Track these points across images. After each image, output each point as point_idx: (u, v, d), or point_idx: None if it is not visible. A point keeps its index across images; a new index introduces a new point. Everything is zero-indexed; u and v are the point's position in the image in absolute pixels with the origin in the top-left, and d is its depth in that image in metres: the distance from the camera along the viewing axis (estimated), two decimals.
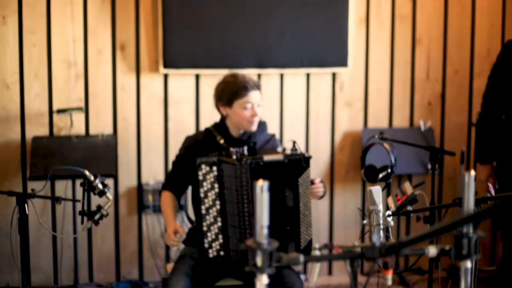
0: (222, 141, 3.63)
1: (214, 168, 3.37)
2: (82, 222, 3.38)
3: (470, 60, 5.17)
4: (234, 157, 3.35)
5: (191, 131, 4.74)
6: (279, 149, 3.51)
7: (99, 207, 3.36)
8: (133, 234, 4.81)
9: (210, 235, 3.40)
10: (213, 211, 3.39)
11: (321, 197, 3.64)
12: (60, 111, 4.52)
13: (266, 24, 4.76)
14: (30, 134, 4.56)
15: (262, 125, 3.73)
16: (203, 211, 3.40)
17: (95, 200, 3.40)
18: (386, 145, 3.52)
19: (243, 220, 3.33)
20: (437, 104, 5.17)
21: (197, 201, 3.46)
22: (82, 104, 4.61)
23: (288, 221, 3.41)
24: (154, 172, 4.78)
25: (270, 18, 4.76)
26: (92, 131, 4.65)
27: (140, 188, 4.76)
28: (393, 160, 3.48)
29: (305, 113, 4.98)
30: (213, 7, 4.67)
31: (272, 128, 4.85)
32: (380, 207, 3.18)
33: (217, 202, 3.38)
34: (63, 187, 4.62)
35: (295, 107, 4.95)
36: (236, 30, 4.71)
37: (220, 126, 3.69)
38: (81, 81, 4.61)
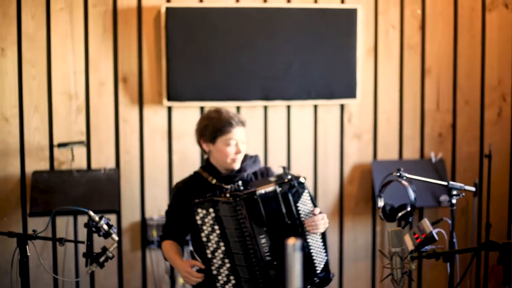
0: (214, 181, 3.50)
1: (211, 210, 3.27)
2: (87, 265, 3.23)
3: (480, 89, 5.06)
4: (228, 195, 3.26)
5: (196, 164, 4.61)
6: (274, 177, 3.41)
7: (104, 249, 3.22)
8: (137, 271, 4.66)
9: (221, 278, 3.28)
10: (219, 253, 3.28)
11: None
12: (61, 145, 4.39)
13: (273, 55, 4.65)
14: (30, 168, 4.43)
15: (253, 157, 3.63)
16: (209, 255, 3.28)
17: (98, 239, 3.25)
18: (404, 182, 3.34)
19: (249, 258, 3.22)
20: (448, 135, 5.04)
21: (200, 246, 3.33)
22: (84, 138, 4.48)
23: None
24: (158, 207, 4.64)
25: (277, 49, 4.65)
26: (94, 165, 4.52)
27: (144, 223, 4.62)
28: (412, 198, 3.31)
29: (313, 145, 4.85)
30: (218, 38, 4.55)
31: (279, 161, 4.75)
32: (402, 249, 3.07)
33: (221, 244, 3.27)
34: (64, 224, 4.47)
35: (302, 140, 4.83)
36: (242, 61, 4.60)
37: (208, 167, 3.56)
38: (83, 114, 4.49)
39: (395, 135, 4.97)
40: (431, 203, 4.76)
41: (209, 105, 4.57)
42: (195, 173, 3.60)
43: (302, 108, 4.80)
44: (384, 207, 3.38)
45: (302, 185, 3.33)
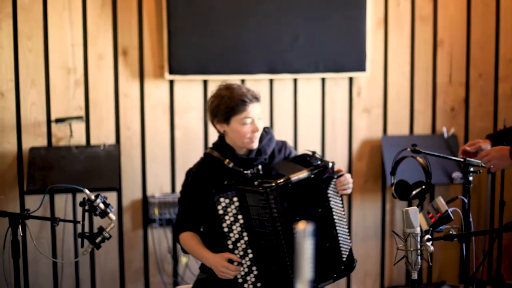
0: (231, 165, 3.26)
1: (235, 199, 3.08)
2: (82, 245, 3.11)
3: (495, 62, 4.89)
4: (256, 182, 3.05)
5: (199, 140, 4.47)
6: (297, 161, 3.23)
7: (101, 229, 3.08)
8: (138, 250, 4.54)
9: (243, 269, 3.13)
10: (242, 244, 3.12)
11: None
12: (58, 120, 4.24)
13: (279, 27, 4.47)
14: (27, 145, 4.29)
15: (268, 133, 3.38)
16: (230, 246, 3.12)
17: (98, 218, 3.13)
18: (420, 159, 3.17)
19: (281, 249, 3.06)
20: (461, 110, 4.88)
21: (220, 236, 3.13)
22: (82, 113, 4.34)
23: (325, 238, 3.18)
24: (160, 184, 4.50)
25: (283, 20, 4.48)
26: (93, 141, 4.38)
27: (145, 201, 4.49)
28: (429, 175, 3.14)
29: (321, 120, 4.70)
30: (222, 8, 4.39)
31: (286, 137, 4.61)
32: (418, 230, 2.93)
33: (244, 234, 3.11)
34: (62, 202, 4.34)
35: (310, 114, 4.68)
36: (247, 33, 4.43)
37: (222, 147, 3.32)
38: (81, 88, 4.34)
39: (405, 110, 4.82)
40: (444, 180, 4.62)
41: (212, 78, 4.42)
42: (206, 154, 3.36)
43: (309, 82, 4.65)
44: (397, 184, 3.21)
45: (333, 171, 3.19)
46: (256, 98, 3.25)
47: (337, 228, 3.20)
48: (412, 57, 4.78)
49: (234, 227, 3.10)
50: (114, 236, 4.45)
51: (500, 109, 4.91)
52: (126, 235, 4.51)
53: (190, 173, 3.35)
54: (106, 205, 3.06)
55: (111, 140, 4.39)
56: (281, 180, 3.06)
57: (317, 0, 4.53)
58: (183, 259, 4.54)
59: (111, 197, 4.38)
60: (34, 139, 4.31)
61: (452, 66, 4.84)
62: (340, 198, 3.26)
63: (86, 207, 3.05)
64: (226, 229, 3.11)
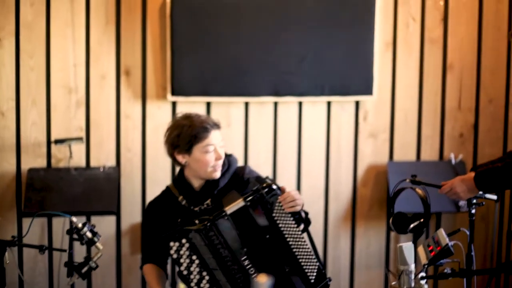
0: (184, 202, 3.40)
1: (184, 240, 3.17)
2: (70, 274, 3.18)
3: (505, 87, 4.99)
4: (197, 221, 3.16)
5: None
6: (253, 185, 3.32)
7: (88, 259, 3.17)
8: (137, 275, 4.63)
9: None
10: (205, 283, 3.21)
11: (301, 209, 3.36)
12: (58, 141, 4.35)
13: (284, 48, 4.58)
14: (26, 165, 4.40)
15: (227, 162, 3.47)
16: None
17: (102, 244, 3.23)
18: (419, 190, 3.25)
19: (236, 284, 3.18)
20: (470, 136, 4.97)
21: (183, 279, 3.24)
22: (83, 134, 4.43)
23: (283, 262, 3.24)
24: None
25: (289, 41, 4.58)
26: (93, 163, 4.49)
27: None
28: (426, 209, 3.22)
29: (326, 145, 4.80)
30: (226, 29, 4.49)
31: (289, 161, 4.71)
32: (412, 267, 3.01)
33: (204, 273, 3.20)
34: (60, 226, 4.42)
35: (314, 138, 4.78)
36: (251, 54, 4.53)
37: (180, 181, 3.46)
38: (82, 108, 4.45)
39: (413, 135, 4.91)
40: (450, 208, 4.70)
41: (215, 100, 4.53)
42: (167, 188, 3.52)
43: (314, 105, 4.75)
44: (395, 216, 3.26)
45: (272, 193, 3.21)
46: (217, 125, 3.39)
47: (294, 249, 3.24)
48: (420, 80, 4.87)
49: (192, 268, 3.18)
50: (111, 260, 4.56)
51: (510, 135, 5.00)
52: (124, 260, 4.61)
53: (148, 206, 3.54)
54: (94, 233, 3.14)
55: (111, 162, 4.49)
56: (216, 213, 3.16)
57: (324, 21, 4.63)
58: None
59: (110, 220, 4.49)
60: (34, 160, 4.41)
61: (461, 91, 4.93)
62: (291, 217, 3.25)
63: (74, 235, 3.13)
64: (185, 272, 3.19)
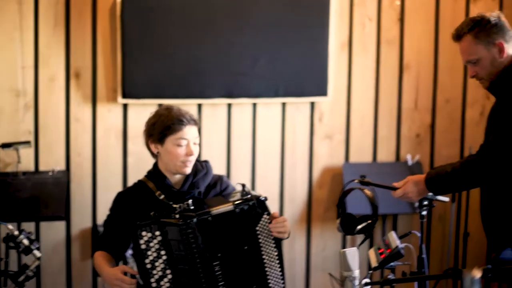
0: (162, 197, 3.48)
1: (157, 233, 3.24)
2: (5, 284, 3.27)
3: (462, 87, 5.28)
4: (177, 215, 3.27)
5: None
6: (231, 196, 3.44)
7: (24, 267, 3.25)
8: (87, 282, 4.83)
9: None
10: (165, 282, 3.29)
11: (286, 238, 3.49)
12: (4, 145, 4.49)
13: (238, 49, 4.81)
14: None
15: (204, 168, 3.62)
16: (154, 285, 3.29)
17: (48, 251, 3.31)
18: (367, 191, 3.38)
19: (199, 287, 3.29)
20: (426, 136, 5.25)
21: (143, 273, 3.29)
22: (32, 137, 4.60)
23: (253, 279, 3.37)
24: None
25: (242, 42, 4.81)
26: (42, 167, 4.67)
27: (95, 230, 4.78)
28: (375, 210, 3.35)
29: (281, 147, 5.04)
30: (178, 30, 4.70)
31: (244, 164, 4.91)
32: (356, 273, 3.11)
33: (168, 271, 3.27)
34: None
35: (269, 140, 5.02)
36: (204, 56, 4.75)
37: (155, 175, 3.55)
38: (31, 112, 4.63)
39: (369, 136, 5.17)
40: (406, 209, 4.95)
41: (167, 102, 4.69)
42: (140, 181, 3.60)
43: (269, 106, 4.98)
44: (343, 217, 3.39)
45: (262, 206, 3.35)
46: (194, 121, 3.52)
47: (267, 269, 3.38)
48: (377, 81, 5.14)
49: (157, 263, 3.25)
50: (61, 266, 4.76)
51: (467, 135, 5.29)
52: (75, 266, 4.80)
53: (118, 196, 3.62)
54: (31, 241, 3.22)
55: (61, 166, 4.69)
56: (201, 212, 3.28)
57: (278, 22, 4.86)
58: None
59: (60, 226, 4.65)
60: None
61: (418, 91, 5.19)
62: (273, 240, 3.36)
63: (10, 243, 3.19)
64: (149, 265, 3.25)
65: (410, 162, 5.13)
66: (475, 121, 5.27)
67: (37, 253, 3.26)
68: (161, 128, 3.47)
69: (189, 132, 3.47)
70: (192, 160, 3.50)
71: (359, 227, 3.36)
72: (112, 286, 3.33)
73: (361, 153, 5.16)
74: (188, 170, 3.51)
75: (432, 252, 5.27)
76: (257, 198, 3.36)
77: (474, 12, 5.11)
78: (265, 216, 3.36)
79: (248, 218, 3.33)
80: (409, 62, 5.15)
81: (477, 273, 2.16)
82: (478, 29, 3.35)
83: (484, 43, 3.35)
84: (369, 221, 3.36)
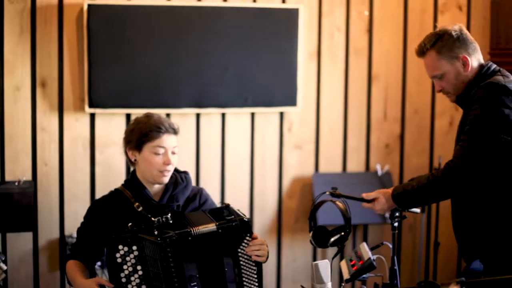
0: (140, 209, 3.41)
1: (134, 247, 3.18)
2: None
3: (431, 98, 5.29)
4: (156, 232, 3.17)
5: (121, 176, 4.68)
6: (212, 212, 3.35)
7: None
8: None
9: None
10: None
11: (264, 261, 3.42)
12: None
13: (206, 59, 4.78)
14: None
15: (184, 180, 3.56)
16: None
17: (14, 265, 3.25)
18: (339, 203, 3.33)
19: None
20: (396, 146, 5.24)
21: (118, 287, 3.21)
22: None
23: None
24: (79, 223, 4.66)
25: (211, 51, 4.78)
26: (8, 177, 4.60)
27: (63, 241, 4.71)
28: (348, 222, 3.31)
29: (250, 156, 5.01)
30: (146, 39, 4.68)
31: (213, 174, 4.86)
32: (329, 285, 3.07)
33: (143, 287, 3.19)
34: None
35: (238, 150, 4.99)
36: (172, 65, 4.72)
37: (134, 184, 3.48)
38: None
39: (338, 146, 5.16)
40: (376, 219, 4.92)
41: (135, 112, 4.68)
42: (116, 190, 3.54)
43: (238, 116, 4.96)
44: (315, 230, 3.35)
45: (245, 227, 3.28)
46: (173, 130, 3.45)
47: None
48: (346, 91, 5.12)
49: (132, 278, 3.18)
50: (28, 278, 4.68)
51: (436, 145, 5.28)
52: (42, 278, 4.72)
53: (93, 204, 3.55)
54: None
55: (27, 176, 4.61)
56: (181, 231, 3.18)
57: (247, 32, 4.86)
58: None
59: (26, 237, 4.59)
60: None
61: (387, 101, 5.18)
62: (254, 262, 3.30)
63: None
64: (124, 279, 3.18)
65: (380, 172, 5.13)
66: (444, 131, 5.27)
67: (3, 266, 3.20)
68: (139, 135, 3.42)
69: (167, 140, 3.42)
70: (170, 169, 3.44)
71: (332, 239, 3.31)
72: None
73: (330, 163, 5.14)
74: (166, 179, 3.45)
75: (403, 263, 5.25)
76: (241, 219, 3.28)
77: (442, 23, 5.14)
78: (247, 238, 3.29)
79: (230, 239, 3.25)
80: (378, 72, 5.15)
81: None
82: (441, 44, 3.35)
83: (447, 58, 3.35)
84: (342, 233, 3.31)
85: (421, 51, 3.43)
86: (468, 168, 3.16)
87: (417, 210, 3.70)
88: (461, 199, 3.38)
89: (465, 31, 3.38)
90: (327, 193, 3.44)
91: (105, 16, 4.57)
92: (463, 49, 3.35)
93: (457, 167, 3.18)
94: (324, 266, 2.96)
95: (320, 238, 3.34)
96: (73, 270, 3.39)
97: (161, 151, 3.40)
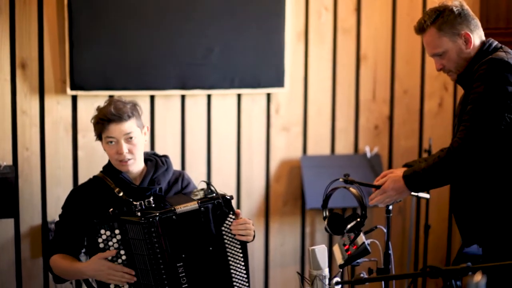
0: (121, 194, 3.32)
1: (117, 231, 3.11)
2: None
3: (420, 78, 5.12)
4: (139, 213, 3.08)
5: (104, 160, 4.45)
6: (194, 194, 3.26)
7: None
8: (38, 280, 4.57)
9: None
10: (125, 286, 3.13)
11: (250, 241, 3.32)
12: None
13: (191, 39, 4.58)
14: None
15: (164, 164, 3.46)
16: (111, 286, 3.13)
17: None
18: (353, 190, 3.21)
19: None
20: (385, 128, 5.07)
21: None
22: None
23: (217, 281, 3.20)
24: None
25: (195, 32, 4.59)
26: None
27: (45, 227, 4.53)
28: (364, 208, 3.18)
29: (236, 139, 4.83)
30: (129, 18, 4.47)
31: (199, 157, 4.70)
32: (326, 271, 2.99)
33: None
34: None
35: (224, 133, 4.80)
36: (156, 45, 4.52)
37: (111, 170, 3.40)
38: None
39: (327, 128, 4.99)
40: (366, 203, 4.73)
41: (118, 94, 4.49)
42: (95, 177, 3.45)
43: (224, 98, 4.77)
44: (330, 217, 3.21)
45: (228, 205, 3.22)
46: (119, 117, 3.30)
47: (232, 271, 3.24)
48: (334, 72, 4.95)
49: (116, 263, 3.11)
50: (11, 265, 4.50)
51: (426, 127, 5.12)
52: (25, 265, 4.54)
53: (72, 193, 3.44)
54: None
55: (8, 161, 4.42)
56: (164, 210, 3.11)
57: (233, 11, 4.66)
58: None
59: (8, 224, 4.43)
60: None
61: (376, 82, 5.02)
62: (238, 242, 3.25)
63: None
64: (107, 259, 3.12)
65: (368, 154, 4.97)
66: (434, 113, 5.11)
67: None
68: (95, 127, 3.39)
69: (115, 129, 3.30)
70: (128, 157, 3.32)
71: (348, 226, 3.18)
72: (105, 279, 3.12)
73: (319, 146, 4.96)
74: (127, 168, 3.34)
75: (393, 246, 5.08)
76: (223, 196, 3.20)
77: (432, 2, 4.97)
78: (230, 215, 3.21)
79: (214, 218, 3.18)
80: (366, 52, 4.98)
81: (480, 278, 2.00)
82: (442, 20, 3.18)
83: (449, 35, 3.18)
84: (358, 220, 3.19)
85: (421, 28, 3.26)
86: (472, 148, 3.00)
87: (427, 195, 3.56)
88: (462, 181, 3.23)
89: (466, 6, 3.22)
90: (340, 180, 3.30)
91: None
92: (465, 26, 3.18)
93: (461, 148, 3.02)
94: (322, 251, 2.86)
95: (336, 225, 3.21)
96: (64, 261, 3.27)
97: (113, 141, 3.31)
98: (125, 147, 3.30)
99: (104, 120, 3.30)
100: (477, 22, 3.23)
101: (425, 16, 3.25)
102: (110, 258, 3.13)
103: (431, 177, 3.13)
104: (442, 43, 3.20)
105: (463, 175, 3.11)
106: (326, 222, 3.22)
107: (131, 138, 3.32)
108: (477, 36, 3.21)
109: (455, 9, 3.18)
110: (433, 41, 3.23)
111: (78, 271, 3.23)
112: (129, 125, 3.32)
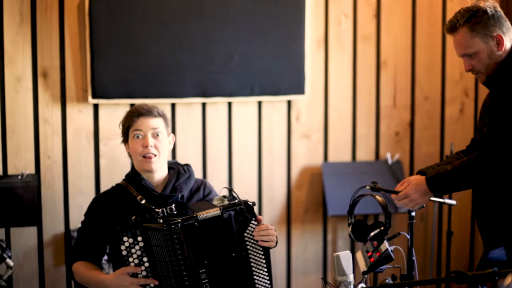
0: (143, 201, 3.26)
1: (139, 238, 3.04)
2: None
3: (441, 84, 5.02)
4: (161, 220, 3.02)
5: (126, 168, 4.43)
6: (216, 200, 3.21)
7: None
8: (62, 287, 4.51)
9: None
10: None
11: (273, 246, 3.26)
12: None
13: (211, 46, 4.52)
14: None
15: (186, 172, 3.40)
16: None
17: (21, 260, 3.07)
18: (379, 197, 3.14)
19: None
20: (406, 134, 4.97)
21: None
22: None
23: (240, 286, 3.14)
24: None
25: (215, 39, 4.52)
26: (10, 171, 4.34)
27: (68, 236, 4.48)
28: (388, 217, 3.11)
29: (257, 146, 4.75)
30: (150, 27, 4.41)
31: (220, 165, 4.66)
32: (351, 277, 2.93)
33: (149, 281, 3.07)
34: None
35: (245, 140, 4.73)
36: (177, 53, 4.46)
37: (133, 178, 3.33)
38: None
39: (347, 135, 4.90)
40: (390, 209, 4.64)
41: (140, 102, 4.37)
42: (118, 185, 3.39)
43: (244, 105, 4.70)
44: (354, 224, 3.15)
45: (250, 211, 3.15)
46: (150, 112, 3.31)
47: (255, 277, 3.16)
48: (354, 78, 4.87)
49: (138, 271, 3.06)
50: (34, 273, 4.44)
51: (447, 133, 5.01)
52: (48, 273, 4.48)
53: (94, 201, 3.39)
54: (3, 249, 2.99)
55: (30, 170, 4.37)
56: (187, 217, 3.05)
57: (252, 18, 4.59)
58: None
59: (31, 232, 4.38)
60: None
61: (396, 88, 4.93)
62: (261, 246, 3.19)
63: None
64: (130, 274, 3.06)
65: (390, 161, 4.87)
66: (455, 118, 5.01)
67: (10, 262, 3.04)
68: (123, 127, 3.35)
69: (143, 123, 3.29)
70: (152, 152, 3.27)
71: (372, 234, 3.11)
72: None
73: (340, 152, 4.87)
74: (151, 166, 3.27)
75: (415, 253, 4.99)
76: (246, 203, 3.14)
77: (451, 8, 4.89)
78: (253, 221, 3.15)
79: (236, 224, 3.12)
80: (386, 58, 4.89)
81: (511, 280, 1.93)
82: (475, 20, 3.08)
83: (481, 36, 3.09)
84: (382, 228, 3.12)
85: (453, 27, 3.16)
86: (502, 153, 2.92)
87: (453, 202, 3.45)
88: (486, 184, 3.14)
89: (499, 8, 3.13)
90: (367, 187, 3.23)
91: (108, 3, 4.29)
92: (498, 27, 3.09)
93: (491, 152, 2.94)
94: (346, 257, 2.78)
95: (360, 232, 3.14)
96: (87, 270, 3.22)
97: (139, 134, 3.28)
98: (151, 141, 3.28)
99: (134, 114, 3.29)
100: (509, 24, 3.14)
101: (457, 15, 3.15)
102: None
103: (456, 179, 3.04)
104: (473, 44, 3.11)
105: (490, 179, 3.02)
106: (350, 229, 3.16)
107: (157, 134, 3.30)
108: (509, 39, 3.12)
109: (489, 10, 3.09)
110: (465, 41, 3.13)
111: (101, 283, 3.17)
112: (158, 122, 3.32)
